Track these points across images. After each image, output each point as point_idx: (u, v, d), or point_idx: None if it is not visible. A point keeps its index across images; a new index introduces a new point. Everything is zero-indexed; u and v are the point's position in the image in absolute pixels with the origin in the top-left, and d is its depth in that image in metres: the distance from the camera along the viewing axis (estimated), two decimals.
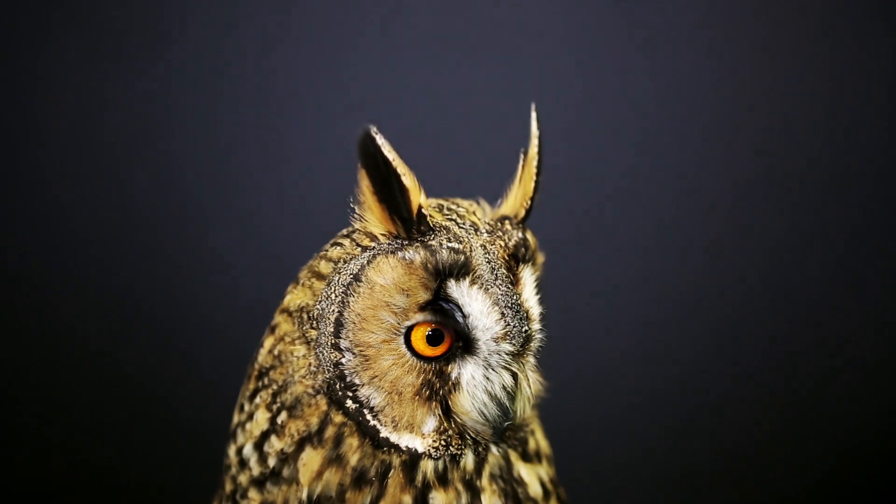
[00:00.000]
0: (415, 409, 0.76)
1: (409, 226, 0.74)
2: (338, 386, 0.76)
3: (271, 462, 0.77)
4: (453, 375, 0.77)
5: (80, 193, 1.67)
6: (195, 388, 1.64)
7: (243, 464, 0.78)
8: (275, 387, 0.77)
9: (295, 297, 0.78)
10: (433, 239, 0.75)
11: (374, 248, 0.76)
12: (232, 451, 0.80)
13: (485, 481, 0.79)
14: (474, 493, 0.78)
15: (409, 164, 0.74)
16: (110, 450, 1.69)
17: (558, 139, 1.68)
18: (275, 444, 0.77)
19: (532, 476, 0.83)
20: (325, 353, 0.76)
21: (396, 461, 0.76)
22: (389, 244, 0.75)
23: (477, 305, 0.75)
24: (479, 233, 0.77)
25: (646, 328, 1.70)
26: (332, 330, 0.76)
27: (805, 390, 1.71)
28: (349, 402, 0.76)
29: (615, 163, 1.70)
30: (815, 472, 1.71)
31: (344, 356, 0.76)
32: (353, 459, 0.76)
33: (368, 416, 0.76)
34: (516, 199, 0.82)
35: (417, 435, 0.76)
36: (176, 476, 1.62)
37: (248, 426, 0.78)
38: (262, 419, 0.77)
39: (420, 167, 0.77)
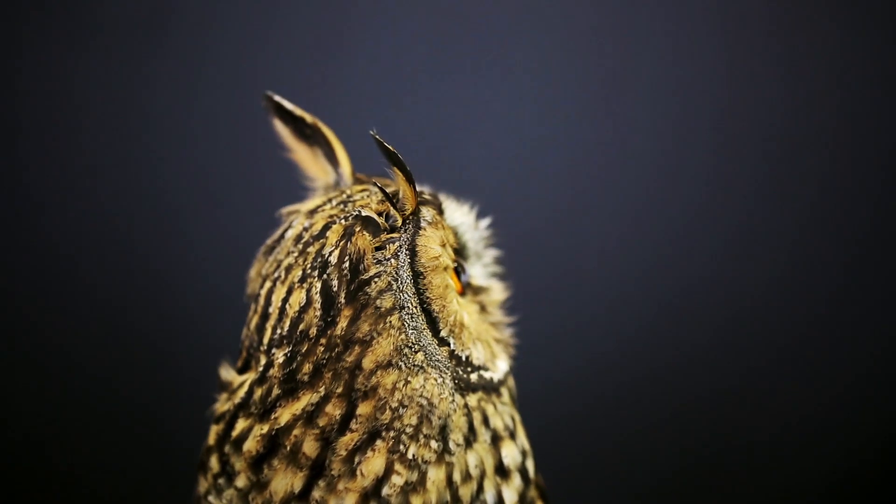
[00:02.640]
0: (490, 339, 0.82)
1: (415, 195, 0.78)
2: (461, 372, 0.77)
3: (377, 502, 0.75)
4: (475, 283, 0.84)
5: (56, 195, 1.66)
6: (176, 393, 1.62)
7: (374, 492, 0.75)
8: (409, 430, 0.74)
9: (381, 349, 0.74)
10: (422, 195, 0.80)
11: (400, 244, 0.76)
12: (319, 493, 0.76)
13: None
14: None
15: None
16: (88, 457, 1.67)
17: (561, 138, 1.70)
18: (397, 481, 0.74)
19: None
20: (439, 357, 0.76)
21: (507, 395, 0.81)
22: (408, 228, 0.76)
23: (457, 213, 0.83)
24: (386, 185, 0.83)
25: (639, 323, 1.71)
26: (430, 334, 0.76)
27: (799, 389, 1.72)
28: (473, 377, 0.78)
29: (609, 163, 1.71)
30: (805, 476, 1.71)
31: (450, 343, 0.77)
32: (495, 423, 0.79)
33: (485, 374, 0.79)
34: (345, 156, 0.87)
35: (498, 360, 0.83)
36: (156, 483, 1.60)
37: (342, 485, 0.74)
38: (375, 468, 0.74)
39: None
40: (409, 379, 0.74)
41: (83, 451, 1.67)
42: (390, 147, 0.74)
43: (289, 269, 0.77)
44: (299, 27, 1.66)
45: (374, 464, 0.74)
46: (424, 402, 0.74)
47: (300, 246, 0.78)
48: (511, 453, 0.79)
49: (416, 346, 0.75)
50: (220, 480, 0.79)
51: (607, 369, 1.69)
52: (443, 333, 0.76)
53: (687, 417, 1.70)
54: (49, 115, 1.64)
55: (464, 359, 0.77)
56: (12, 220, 1.66)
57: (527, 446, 0.82)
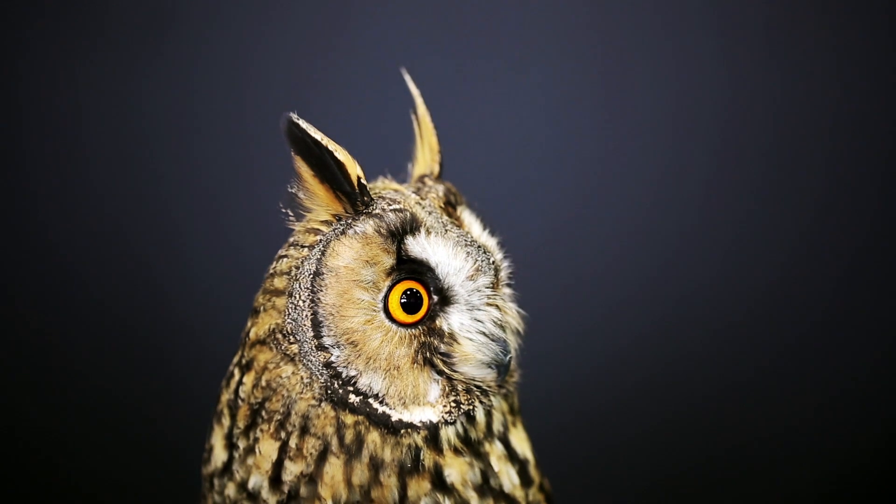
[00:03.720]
0: (416, 380, 0.76)
1: (354, 199, 0.75)
2: (336, 385, 0.75)
3: (287, 487, 0.75)
4: (444, 329, 0.77)
5: (56, 198, 1.67)
6: (175, 397, 1.62)
7: (254, 497, 0.76)
8: (278, 416, 0.75)
9: (261, 324, 0.77)
10: (375, 207, 0.76)
11: (321, 239, 0.76)
12: (231, 489, 0.78)
13: (488, 446, 0.80)
14: (484, 459, 0.79)
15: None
16: (87, 462, 1.67)
17: (565, 147, 1.70)
18: (292, 469, 0.75)
19: (524, 447, 0.84)
20: (313, 359, 0.75)
21: (419, 439, 0.76)
22: (335, 228, 0.76)
23: (441, 252, 0.76)
24: (407, 195, 0.79)
25: (641, 330, 1.72)
26: (311, 334, 0.75)
27: (798, 394, 1.72)
28: (353, 398, 0.75)
29: (612, 171, 1.71)
30: (805, 478, 1.71)
31: (332, 353, 0.75)
32: (382, 454, 0.75)
33: (376, 405, 0.75)
34: (425, 157, 0.86)
35: (426, 406, 0.76)
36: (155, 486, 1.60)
37: (250, 461, 0.76)
38: (269, 450, 0.75)
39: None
40: (279, 364, 0.75)
41: (83, 454, 1.67)
42: (317, 138, 0.72)
43: None
44: (299, 31, 1.66)
45: (266, 445, 0.75)
46: (286, 393, 0.75)
47: None
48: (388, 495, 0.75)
49: (291, 337, 0.75)
50: None
51: (610, 374, 1.70)
52: (325, 340, 0.75)
53: (689, 421, 1.72)
54: (50, 120, 1.65)
55: (344, 376, 0.75)
56: (12, 224, 1.66)
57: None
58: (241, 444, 0.76)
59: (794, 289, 1.71)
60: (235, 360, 0.80)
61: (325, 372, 0.75)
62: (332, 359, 0.75)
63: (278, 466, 0.75)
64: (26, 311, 1.68)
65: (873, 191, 1.70)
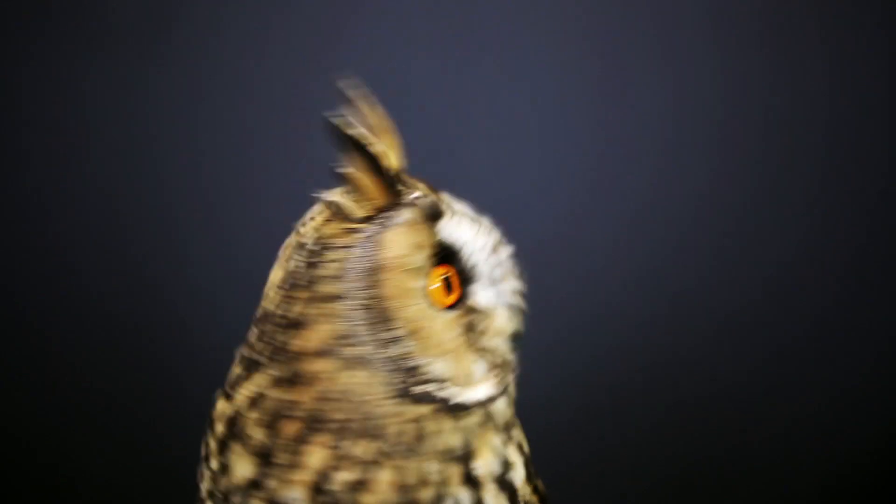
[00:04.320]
0: (467, 360, 0.77)
1: (393, 191, 0.76)
2: (406, 378, 0.73)
3: (331, 498, 0.73)
4: (477, 306, 0.79)
5: (56, 200, 1.67)
6: (173, 396, 1.62)
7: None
8: (337, 425, 0.72)
9: (320, 334, 0.73)
10: (408, 196, 0.77)
11: (367, 235, 0.74)
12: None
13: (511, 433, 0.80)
14: (507, 439, 0.80)
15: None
16: (85, 462, 1.67)
17: (559, 140, 1.70)
18: (339, 478, 0.72)
19: (522, 439, 0.83)
20: (384, 356, 0.73)
21: (476, 419, 0.76)
22: (377, 222, 0.75)
23: (466, 231, 0.79)
24: (413, 183, 0.80)
25: (638, 327, 1.72)
26: (380, 329, 0.73)
27: (798, 392, 1.72)
28: (419, 389, 0.74)
29: (607, 166, 1.70)
30: (804, 479, 1.71)
31: (394, 347, 0.74)
32: (449, 443, 0.74)
33: (438, 391, 0.74)
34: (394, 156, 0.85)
35: (477, 384, 0.77)
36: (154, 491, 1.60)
37: (302, 466, 0.73)
38: (315, 461, 0.72)
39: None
40: (341, 371, 0.73)
41: (81, 455, 1.66)
42: (352, 132, 0.73)
43: (285, 248, 0.79)
44: (298, 30, 1.66)
45: (315, 456, 0.72)
46: (352, 398, 0.73)
47: (300, 227, 0.79)
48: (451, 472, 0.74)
49: (352, 339, 0.73)
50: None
51: (609, 374, 1.70)
52: (389, 335, 0.73)
53: (688, 421, 1.72)
54: (49, 120, 1.65)
55: (411, 367, 0.73)
56: (10, 224, 1.66)
57: (498, 464, 0.78)
58: (281, 458, 0.73)
59: (794, 288, 1.71)
60: (261, 380, 0.75)
61: (390, 367, 0.73)
62: (399, 351, 0.73)
63: (324, 476, 0.72)
64: (24, 311, 1.68)
65: (873, 191, 1.70)
